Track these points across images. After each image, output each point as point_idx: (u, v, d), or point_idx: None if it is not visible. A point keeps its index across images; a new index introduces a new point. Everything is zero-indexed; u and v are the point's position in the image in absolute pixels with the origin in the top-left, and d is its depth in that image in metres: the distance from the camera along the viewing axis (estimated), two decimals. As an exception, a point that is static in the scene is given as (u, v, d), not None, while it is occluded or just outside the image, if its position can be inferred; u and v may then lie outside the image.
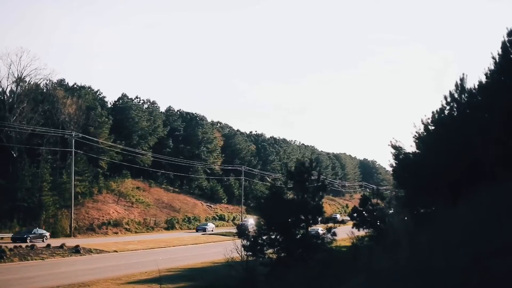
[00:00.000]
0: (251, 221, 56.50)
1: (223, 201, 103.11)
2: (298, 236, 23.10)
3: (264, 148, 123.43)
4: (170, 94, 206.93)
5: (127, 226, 74.13)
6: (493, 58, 17.77)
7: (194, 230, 78.52)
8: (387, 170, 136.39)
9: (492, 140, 15.27)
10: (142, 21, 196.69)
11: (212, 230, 77.73)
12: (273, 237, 22.81)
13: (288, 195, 23.76)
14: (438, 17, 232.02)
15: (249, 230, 28.07)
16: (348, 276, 15.22)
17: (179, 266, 38.73)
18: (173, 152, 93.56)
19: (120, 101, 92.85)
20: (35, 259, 40.89)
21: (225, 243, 29.04)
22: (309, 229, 23.81)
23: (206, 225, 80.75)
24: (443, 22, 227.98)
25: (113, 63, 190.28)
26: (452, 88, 18.72)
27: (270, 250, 22.72)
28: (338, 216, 78.88)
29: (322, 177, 25.54)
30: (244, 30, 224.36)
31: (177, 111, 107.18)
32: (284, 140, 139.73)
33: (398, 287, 10.88)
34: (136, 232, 73.49)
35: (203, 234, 73.18)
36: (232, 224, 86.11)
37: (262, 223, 23.67)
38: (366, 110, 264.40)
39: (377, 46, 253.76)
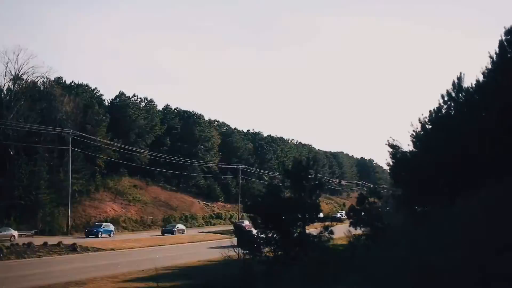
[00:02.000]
0: (246, 223, 54.78)
1: (220, 199, 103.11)
2: (295, 234, 23.10)
3: (261, 147, 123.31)
4: (167, 92, 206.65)
5: (124, 224, 74.14)
6: (491, 57, 17.80)
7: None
8: (384, 169, 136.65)
9: (489, 139, 15.30)
10: (139, 19, 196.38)
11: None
12: (270, 235, 22.80)
13: (285, 193, 23.74)
14: (437, 15, 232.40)
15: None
16: (345, 274, 15.23)
17: (176, 264, 38.66)
18: (170, 151, 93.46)
19: (118, 99, 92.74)
20: (32, 257, 40.89)
21: (222, 241, 29.03)
22: None
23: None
24: (442, 20, 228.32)
25: (111, 61, 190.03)
26: (450, 87, 18.77)
27: (267, 249, 22.71)
28: (342, 214, 75.30)
29: (319, 175, 25.52)
30: (242, 26, 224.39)
31: (175, 109, 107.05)
32: (281, 139, 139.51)
33: (395, 286, 10.89)
34: (133, 230, 73.45)
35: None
36: (230, 223, 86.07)
37: (259, 221, 23.65)
38: (364, 109, 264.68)
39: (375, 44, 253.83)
